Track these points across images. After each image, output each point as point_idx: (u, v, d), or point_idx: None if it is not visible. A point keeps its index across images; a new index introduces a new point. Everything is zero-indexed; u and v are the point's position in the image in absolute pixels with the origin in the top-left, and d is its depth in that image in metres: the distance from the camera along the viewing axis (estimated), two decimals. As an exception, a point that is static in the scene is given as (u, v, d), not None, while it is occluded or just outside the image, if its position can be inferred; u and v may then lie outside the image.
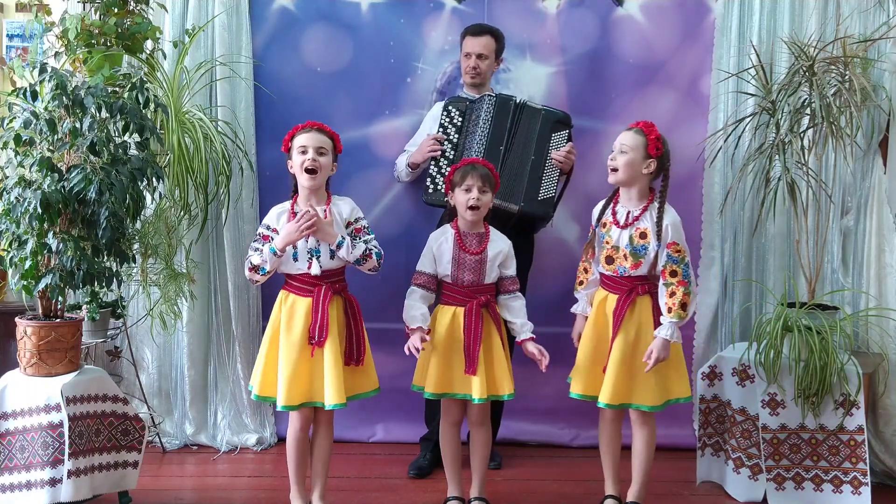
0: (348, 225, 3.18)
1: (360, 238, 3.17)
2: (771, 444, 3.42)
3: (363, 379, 3.20)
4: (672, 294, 3.12)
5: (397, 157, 3.92)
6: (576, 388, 3.25)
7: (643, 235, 3.16)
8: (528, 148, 3.63)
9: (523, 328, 3.24)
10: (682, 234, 3.18)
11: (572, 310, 3.40)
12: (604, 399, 3.16)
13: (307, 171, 3.10)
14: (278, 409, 3.12)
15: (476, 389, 3.13)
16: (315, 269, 3.11)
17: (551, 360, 3.19)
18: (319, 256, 3.12)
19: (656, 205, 3.18)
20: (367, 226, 3.22)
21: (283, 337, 3.12)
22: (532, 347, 3.21)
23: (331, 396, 3.06)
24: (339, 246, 3.12)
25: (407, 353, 3.15)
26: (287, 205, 3.20)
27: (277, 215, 3.18)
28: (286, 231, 3.08)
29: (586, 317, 3.31)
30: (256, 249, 3.15)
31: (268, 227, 3.17)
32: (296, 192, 3.20)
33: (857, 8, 3.82)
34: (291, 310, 3.13)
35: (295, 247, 3.11)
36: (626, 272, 3.18)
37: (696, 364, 3.99)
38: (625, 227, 3.19)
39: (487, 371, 3.16)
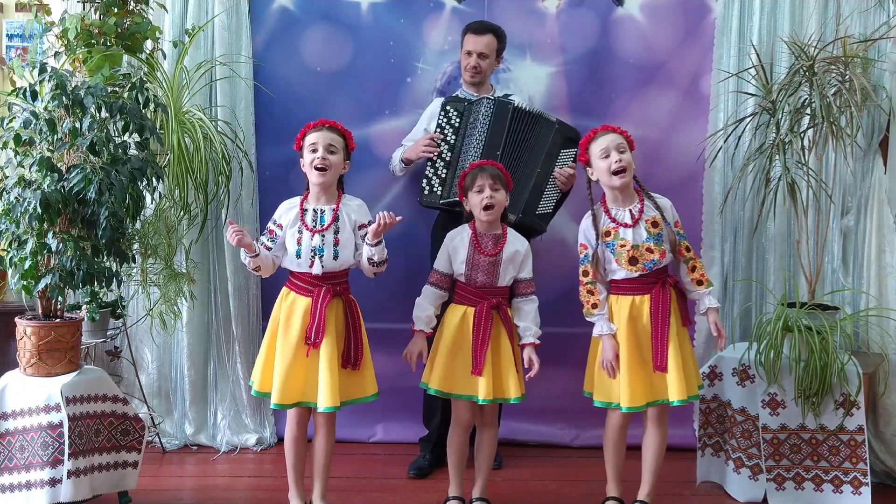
0: (361, 227, 3.14)
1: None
2: (771, 444, 3.42)
3: (361, 384, 3.16)
4: (693, 268, 3.25)
5: (394, 152, 3.92)
6: (630, 402, 3.13)
7: (654, 224, 3.19)
8: (535, 160, 3.56)
9: (526, 332, 3.21)
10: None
11: (597, 333, 3.19)
12: (675, 396, 3.11)
13: (316, 168, 3.08)
14: (271, 406, 3.12)
15: (481, 390, 3.12)
16: (317, 269, 3.09)
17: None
18: (322, 256, 3.10)
19: (646, 194, 3.24)
20: None
21: (281, 335, 3.11)
22: (527, 354, 3.19)
23: (324, 399, 3.04)
24: (377, 244, 3.08)
25: (403, 360, 3.19)
26: (296, 200, 3.17)
27: (285, 210, 3.16)
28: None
29: (614, 336, 3.17)
30: (257, 240, 3.14)
31: (274, 222, 3.16)
32: (308, 189, 3.19)
33: (857, 8, 3.81)
34: (291, 308, 3.12)
35: (299, 244, 3.10)
36: (658, 263, 3.18)
37: (696, 364, 3.99)
38: (635, 224, 3.19)
39: (495, 373, 3.14)
